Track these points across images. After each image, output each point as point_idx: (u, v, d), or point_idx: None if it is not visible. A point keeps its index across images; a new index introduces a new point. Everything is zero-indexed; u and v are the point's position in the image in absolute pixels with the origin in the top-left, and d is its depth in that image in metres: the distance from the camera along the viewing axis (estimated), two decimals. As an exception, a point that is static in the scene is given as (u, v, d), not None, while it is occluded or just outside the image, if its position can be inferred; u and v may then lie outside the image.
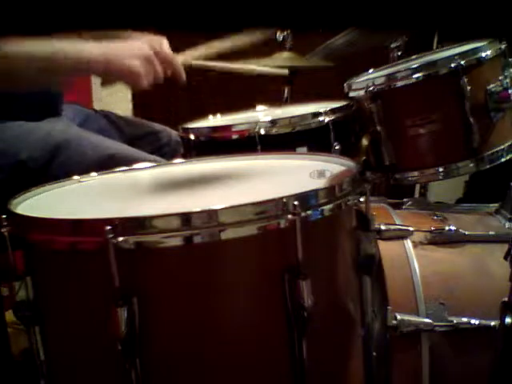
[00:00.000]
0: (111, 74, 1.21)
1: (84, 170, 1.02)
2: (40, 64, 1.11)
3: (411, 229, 1.10)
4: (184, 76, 1.31)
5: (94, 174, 1.01)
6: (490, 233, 1.11)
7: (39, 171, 1.18)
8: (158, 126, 1.56)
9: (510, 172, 1.26)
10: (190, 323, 0.69)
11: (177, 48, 1.37)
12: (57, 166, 1.19)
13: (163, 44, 1.28)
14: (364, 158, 1.35)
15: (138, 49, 1.21)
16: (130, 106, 2.18)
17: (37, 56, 1.11)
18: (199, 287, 0.69)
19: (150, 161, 1.15)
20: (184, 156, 1.33)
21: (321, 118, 1.27)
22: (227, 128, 1.31)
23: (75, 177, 0.98)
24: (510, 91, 1.21)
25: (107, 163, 1.18)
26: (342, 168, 0.88)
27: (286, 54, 1.79)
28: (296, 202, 0.68)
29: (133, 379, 0.68)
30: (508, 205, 1.20)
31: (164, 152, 1.46)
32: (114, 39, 1.23)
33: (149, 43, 1.23)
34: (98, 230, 0.65)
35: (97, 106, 1.91)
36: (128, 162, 1.12)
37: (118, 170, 1.04)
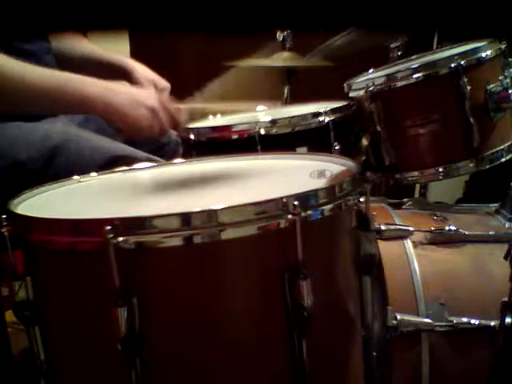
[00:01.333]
0: (112, 121, 1.20)
1: (82, 172, 1.02)
2: (38, 93, 1.11)
3: (411, 229, 1.10)
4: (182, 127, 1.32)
5: (94, 174, 1.01)
6: (490, 233, 1.11)
7: (38, 172, 1.18)
8: None
9: (510, 172, 1.26)
10: (189, 323, 0.69)
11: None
12: (55, 167, 1.19)
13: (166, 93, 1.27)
14: (364, 158, 1.35)
15: (147, 100, 1.20)
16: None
17: (36, 84, 1.10)
18: (199, 287, 0.69)
19: (149, 161, 1.15)
20: (184, 156, 1.33)
21: (321, 118, 1.27)
22: (227, 128, 1.31)
23: (75, 177, 0.98)
24: (510, 91, 1.21)
25: (105, 164, 1.18)
26: (342, 168, 0.88)
27: (285, 54, 1.79)
28: (296, 202, 0.68)
29: (133, 379, 0.68)
30: (508, 205, 1.20)
31: (163, 152, 1.46)
32: (118, 77, 1.22)
33: (156, 96, 1.22)
34: (98, 230, 0.65)
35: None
36: (127, 162, 1.12)
37: (118, 169, 1.04)
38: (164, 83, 1.44)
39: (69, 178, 0.98)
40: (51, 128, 1.26)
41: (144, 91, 1.25)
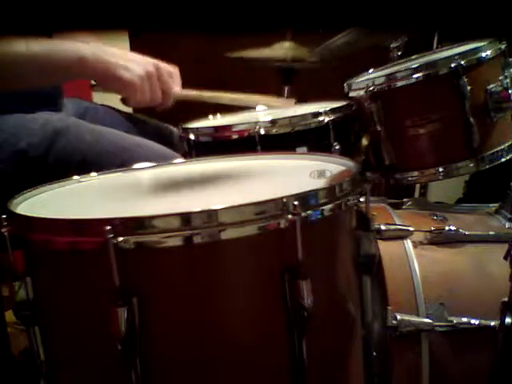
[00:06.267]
0: (108, 80, 1.19)
1: (83, 156, 1.00)
2: (35, 63, 1.10)
3: (411, 229, 1.10)
4: (169, 105, 1.29)
5: (93, 174, 1.01)
6: (490, 233, 1.11)
7: (40, 159, 1.17)
8: (159, 123, 1.56)
9: (510, 172, 1.26)
10: (189, 323, 0.69)
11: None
12: (57, 151, 1.18)
13: (166, 70, 1.26)
14: (364, 158, 1.35)
15: (143, 63, 1.20)
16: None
17: (32, 55, 1.10)
18: (199, 287, 0.69)
19: (147, 147, 1.14)
20: (184, 156, 1.33)
21: (321, 118, 1.27)
22: (227, 128, 1.31)
23: (75, 177, 0.98)
24: (510, 91, 1.21)
25: (106, 149, 1.17)
26: (342, 168, 0.88)
27: (286, 44, 1.79)
28: (296, 202, 0.68)
29: (133, 379, 0.68)
30: (508, 205, 1.20)
31: (164, 143, 1.45)
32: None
33: (154, 62, 1.22)
34: (98, 230, 0.65)
35: (97, 101, 1.91)
36: (127, 148, 1.11)
37: (117, 170, 1.04)
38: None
39: (69, 178, 0.98)
40: (50, 116, 1.26)
41: (141, 57, 1.23)
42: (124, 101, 1.25)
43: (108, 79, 1.18)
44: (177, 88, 1.30)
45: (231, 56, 1.77)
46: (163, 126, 1.55)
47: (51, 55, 1.12)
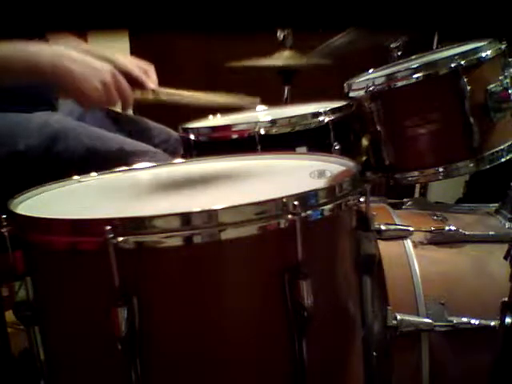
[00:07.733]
0: (65, 87, 1.18)
1: (82, 160, 1.00)
2: None
3: (411, 229, 1.10)
4: (129, 109, 1.29)
5: (93, 174, 1.01)
6: (490, 233, 1.11)
7: (38, 161, 1.17)
8: (157, 125, 1.56)
9: (510, 172, 1.26)
10: (189, 323, 0.69)
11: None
12: (55, 154, 1.18)
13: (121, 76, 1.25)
14: (364, 158, 1.35)
15: (100, 71, 1.19)
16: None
17: None
18: (199, 287, 0.69)
19: (143, 151, 1.13)
20: (184, 156, 1.33)
21: (321, 118, 1.27)
22: (227, 128, 1.31)
23: (75, 177, 0.98)
24: (510, 91, 1.22)
25: (103, 152, 1.17)
26: (342, 168, 0.88)
27: (286, 53, 1.79)
28: (296, 202, 0.68)
29: (133, 379, 0.68)
30: (508, 205, 1.20)
31: (163, 150, 1.46)
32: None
33: (112, 70, 1.21)
34: (98, 230, 0.65)
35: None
36: (124, 151, 1.10)
37: (117, 170, 1.04)
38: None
39: (69, 178, 0.98)
40: (49, 117, 1.26)
41: (101, 63, 1.22)
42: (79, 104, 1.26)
43: (62, 86, 1.18)
44: (152, 85, 1.30)
45: (231, 65, 1.77)
46: (160, 128, 1.55)
47: (13, 57, 1.11)
